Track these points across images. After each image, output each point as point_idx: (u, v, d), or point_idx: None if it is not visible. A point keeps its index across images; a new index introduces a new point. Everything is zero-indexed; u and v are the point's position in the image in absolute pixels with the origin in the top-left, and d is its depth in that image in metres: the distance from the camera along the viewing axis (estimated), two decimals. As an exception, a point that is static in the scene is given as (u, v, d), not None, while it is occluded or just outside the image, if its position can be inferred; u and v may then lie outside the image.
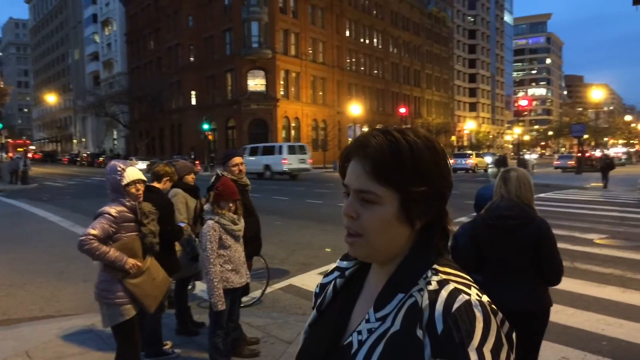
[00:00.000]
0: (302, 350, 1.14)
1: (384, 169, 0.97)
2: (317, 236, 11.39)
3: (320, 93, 63.09)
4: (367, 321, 1.00)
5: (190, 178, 5.54)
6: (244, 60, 55.57)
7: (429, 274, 0.97)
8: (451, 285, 0.94)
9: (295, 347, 4.90)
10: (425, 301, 0.93)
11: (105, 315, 3.52)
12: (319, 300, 1.17)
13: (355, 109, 54.94)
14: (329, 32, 63.91)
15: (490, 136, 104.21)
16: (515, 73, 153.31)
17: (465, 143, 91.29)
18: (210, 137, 54.17)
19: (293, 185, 27.80)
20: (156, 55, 69.53)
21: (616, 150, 70.88)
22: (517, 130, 56.50)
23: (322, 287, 1.20)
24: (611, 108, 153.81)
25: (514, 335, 0.96)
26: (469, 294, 0.92)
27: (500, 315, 0.94)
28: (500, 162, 28.58)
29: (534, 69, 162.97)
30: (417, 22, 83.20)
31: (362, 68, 70.71)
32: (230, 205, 4.12)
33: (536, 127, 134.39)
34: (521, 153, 50.23)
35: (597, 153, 53.05)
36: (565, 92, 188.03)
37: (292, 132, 58.60)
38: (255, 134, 55.04)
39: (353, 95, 65.71)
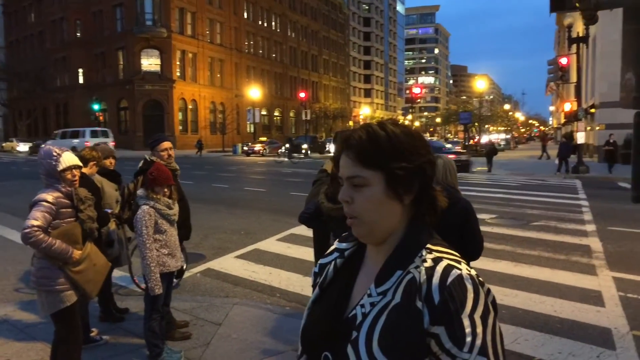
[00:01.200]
0: (307, 323, 1.23)
1: (365, 154, 1.12)
2: (228, 220, 11.41)
3: (219, 75, 61.91)
4: (369, 295, 1.11)
5: (108, 162, 5.39)
6: (137, 38, 53.08)
7: (424, 252, 1.10)
8: (444, 262, 1.07)
9: (225, 328, 5.02)
10: (423, 276, 1.06)
11: (44, 303, 3.41)
12: (320, 279, 1.28)
13: (254, 92, 54.60)
14: (226, 13, 62.68)
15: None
16: (407, 61, 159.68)
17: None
18: (100, 118, 51.35)
19: (196, 169, 27.23)
20: (37, 29, 64.38)
21: (496, 136, 76.34)
22: (409, 117, 58.99)
23: (322, 266, 1.31)
24: (491, 97, 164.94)
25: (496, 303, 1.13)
26: (460, 269, 1.06)
27: (486, 286, 1.08)
28: None
29: (423, 58, 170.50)
30: (314, 7, 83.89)
31: (261, 51, 70.21)
32: (165, 190, 4.13)
33: (425, 114, 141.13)
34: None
35: (483, 139, 56.92)
36: (451, 81, 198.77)
37: (189, 114, 57.11)
38: (150, 116, 53.00)
39: (252, 78, 65.19)
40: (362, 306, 1.11)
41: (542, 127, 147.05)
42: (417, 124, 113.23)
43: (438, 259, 1.09)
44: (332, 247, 1.33)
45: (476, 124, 67.76)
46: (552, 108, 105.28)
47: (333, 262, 1.27)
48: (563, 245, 8.77)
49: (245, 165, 32.67)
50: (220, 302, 5.87)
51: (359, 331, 1.08)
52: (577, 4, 2.46)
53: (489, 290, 1.09)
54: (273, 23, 73.05)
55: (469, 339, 1.00)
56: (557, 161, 25.65)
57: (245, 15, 66.69)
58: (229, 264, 7.78)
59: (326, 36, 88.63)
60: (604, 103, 29.15)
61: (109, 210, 4.78)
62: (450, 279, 1.04)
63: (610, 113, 27.91)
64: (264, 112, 66.87)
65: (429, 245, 1.12)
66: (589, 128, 29.33)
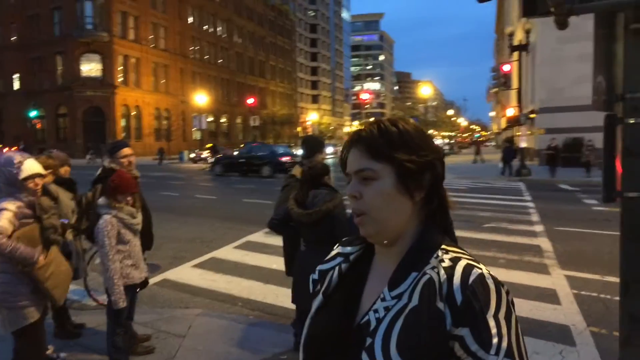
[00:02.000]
0: (313, 332, 1.17)
1: (376, 146, 1.09)
2: (182, 228, 11.14)
3: (163, 81, 60.66)
4: (383, 300, 1.06)
5: (63, 170, 5.14)
6: (76, 42, 51.37)
7: (440, 253, 1.07)
8: (463, 261, 1.04)
9: (190, 340, 4.87)
10: (443, 276, 1.01)
11: (5, 320, 3.19)
12: (323, 286, 1.22)
13: (200, 98, 53.82)
14: (170, 17, 61.59)
15: (331, 128, 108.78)
16: (353, 68, 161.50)
17: (311, 134, 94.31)
18: (38, 125, 49.40)
19: (143, 177, 26.46)
20: (-32, 32, 61.32)
21: (441, 141, 78.34)
22: (355, 122, 59.65)
23: (322, 273, 1.26)
24: (435, 103, 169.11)
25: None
26: (480, 268, 1.03)
27: (505, 286, 1.04)
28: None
29: (369, 65, 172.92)
30: (260, 12, 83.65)
31: (207, 56, 69.35)
32: (129, 198, 3.96)
33: (372, 119, 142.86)
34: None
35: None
36: (396, 88, 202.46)
37: (133, 121, 55.64)
38: (91, 123, 51.33)
39: (197, 84, 64.23)
40: (376, 311, 1.06)
41: (483, 132, 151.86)
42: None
43: (456, 259, 1.05)
44: (334, 252, 1.28)
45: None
46: (492, 114, 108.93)
47: (337, 268, 1.22)
48: (515, 245, 9.02)
49: (194, 173, 32.09)
50: (181, 314, 5.70)
51: (374, 337, 1.03)
52: (552, 9, 2.51)
53: (508, 291, 1.05)
54: (219, 28, 72.33)
55: (495, 340, 0.96)
56: (501, 164, 26.52)
57: (191, 19, 65.74)
58: (186, 273, 7.58)
59: (273, 42, 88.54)
60: (543, 108, 30.38)
61: (66, 221, 4.54)
62: (472, 278, 1.00)
63: (549, 118, 29.13)
64: (210, 119, 66.05)
65: (443, 246, 1.09)
66: (529, 132, 30.50)
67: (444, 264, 1.04)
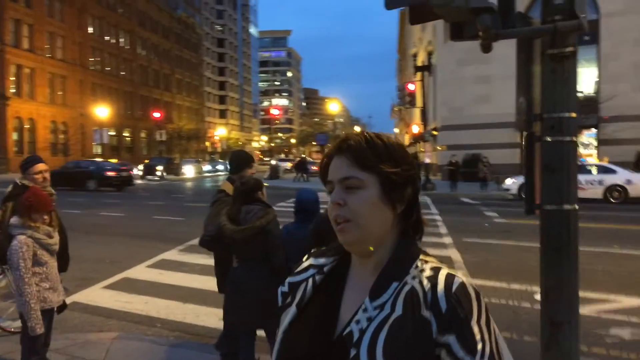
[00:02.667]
0: (286, 347, 1.16)
1: (363, 156, 1.11)
2: (88, 248, 10.51)
3: (60, 92, 57.26)
4: (365, 310, 1.06)
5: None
6: (-38, 49, 47.41)
7: (419, 263, 1.10)
8: (444, 271, 1.07)
9: (109, 365, 4.61)
10: (427, 285, 1.04)
11: None
12: (293, 298, 1.21)
13: (102, 111, 51.46)
14: (69, 26, 58.44)
15: (240, 143, 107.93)
16: (261, 83, 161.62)
17: (219, 150, 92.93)
18: None
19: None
20: None
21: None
22: (264, 137, 59.73)
23: (292, 285, 1.24)
24: (342, 120, 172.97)
25: None
26: (460, 277, 1.06)
27: (481, 293, 1.07)
28: (300, 165, 29.85)
29: (277, 81, 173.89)
30: (166, 25, 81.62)
31: (108, 68, 66.45)
32: (45, 217, 3.71)
33: (280, 134, 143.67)
34: (271, 159, 53.24)
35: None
36: (304, 104, 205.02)
37: (26, 134, 52.02)
38: (-22, 136, 47.38)
39: (98, 96, 61.30)
40: (358, 322, 1.06)
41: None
42: (271, 144, 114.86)
43: (437, 269, 1.08)
44: (306, 264, 1.26)
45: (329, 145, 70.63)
46: (396, 130, 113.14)
47: (310, 279, 1.20)
48: (428, 257, 9.38)
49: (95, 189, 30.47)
50: (96, 338, 5.38)
51: (359, 348, 1.02)
52: (480, 34, 2.68)
53: (483, 297, 1.09)
54: (122, 39, 69.64)
55: (479, 346, 1.00)
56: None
57: (91, 29, 62.79)
58: (97, 295, 7.18)
59: (179, 55, 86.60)
60: (445, 126, 32.07)
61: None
62: (455, 287, 1.03)
63: (451, 135, 30.76)
64: (112, 133, 63.23)
65: (422, 257, 1.12)
66: (432, 149, 32.02)
67: (425, 274, 1.07)
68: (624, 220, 14.39)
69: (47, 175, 4.34)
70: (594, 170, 19.74)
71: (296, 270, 1.27)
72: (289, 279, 1.27)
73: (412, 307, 1.03)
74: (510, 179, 21.41)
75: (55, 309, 3.90)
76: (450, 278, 1.05)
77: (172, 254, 9.88)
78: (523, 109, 3.00)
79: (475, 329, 1.01)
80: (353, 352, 1.03)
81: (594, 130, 28.52)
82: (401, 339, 1.01)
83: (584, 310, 5.84)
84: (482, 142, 29.28)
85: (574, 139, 2.98)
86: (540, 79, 3.00)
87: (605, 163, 21.05)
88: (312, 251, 1.29)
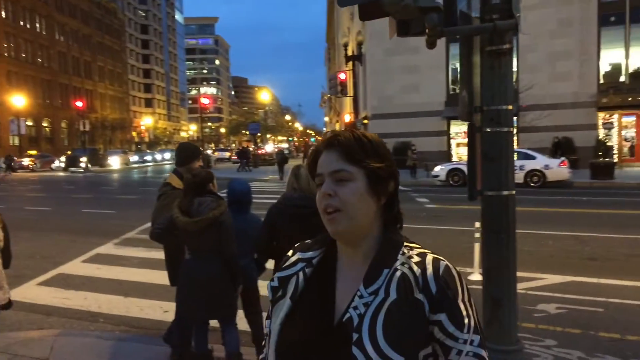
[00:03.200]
0: (288, 338, 1.20)
1: (352, 151, 1.20)
2: (16, 244, 9.90)
3: (-29, 80, 53.68)
4: (361, 297, 1.14)
5: None
6: None
7: (405, 250, 1.19)
8: (430, 256, 1.17)
9: (55, 363, 4.51)
10: (417, 270, 1.14)
11: None
12: (284, 292, 1.27)
13: (18, 100, 48.67)
14: (-21, 10, 54.77)
15: (168, 132, 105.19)
16: (188, 71, 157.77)
17: (147, 140, 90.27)
18: None
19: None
20: None
21: (278, 146, 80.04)
22: (193, 127, 58.57)
23: (282, 279, 1.29)
24: (272, 109, 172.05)
25: None
26: (444, 260, 1.16)
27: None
28: (242, 154, 28.81)
29: (204, 69, 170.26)
30: (85, 10, 77.85)
31: (24, 55, 62.70)
32: (-11, 213, 3.59)
33: (209, 124, 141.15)
34: (203, 149, 52.29)
35: (268, 149, 59.14)
36: (233, 92, 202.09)
37: None
38: None
39: (14, 85, 57.85)
40: (356, 308, 1.14)
41: (318, 137, 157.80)
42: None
43: (423, 254, 1.18)
44: (294, 258, 1.32)
45: (260, 134, 70.14)
46: (326, 119, 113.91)
47: (301, 273, 1.27)
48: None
49: (17, 182, 28.93)
50: (38, 335, 5.25)
51: (360, 332, 1.10)
52: (427, 31, 2.86)
53: (462, 276, 1.21)
54: (38, 25, 65.86)
55: (466, 320, 1.13)
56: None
57: (4, 14, 58.97)
58: (33, 292, 6.95)
59: (100, 42, 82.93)
60: (375, 115, 32.70)
61: None
62: (441, 270, 1.14)
63: (381, 124, 31.41)
64: (30, 123, 59.99)
65: (406, 244, 1.22)
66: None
67: (413, 260, 1.17)
68: (541, 203, 15.37)
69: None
70: (515, 156, 20.80)
71: (284, 265, 1.32)
72: (277, 274, 1.32)
73: (405, 291, 1.13)
74: (438, 166, 22.25)
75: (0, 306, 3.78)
76: (436, 262, 1.16)
77: (108, 248, 9.65)
78: (465, 102, 3.21)
79: (462, 306, 1.13)
80: (355, 336, 1.10)
81: (514, 118, 30.06)
82: (398, 320, 1.11)
83: (513, 287, 6.31)
84: (411, 130, 30.15)
85: (511, 129, 3.24)
86: (480, 74, 3.22)
87: (525, 149, 22.27)
88: (296, 245, 1.37)
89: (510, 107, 3.22)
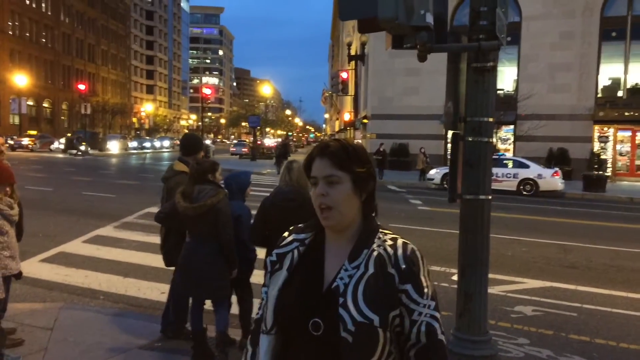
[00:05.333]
0: (284, 302, 1.50)
1: (340, 159, 1.50)
2: (18, 222, 10.36)
3: (-26, 57, 53.77)
4: (346, 270, 1.46)
5: None
6: None
7: (381, 235, 1.52)
8: (400, 240, 1.50)
9: (59, 333, 4.84)
10: (390, 251, 1.46)
11: None
12: (282, 265, 1.57)
13: (20, 79, 48.80)
14: (-14, -14, 54.81)
15: (168, 120, 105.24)
16: (191, 60, 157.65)
17: (147, 126, 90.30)
18: None
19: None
20: None
21: (276, 139, 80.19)
22: (193, 116, 58.64)
23: (280, 255, 1.60)
24: (273, 103, 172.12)
25: None
26: (411, 244, 1.50)
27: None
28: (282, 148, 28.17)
29: (207, 59, 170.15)
30: (92, -8, 77.96)
31: (28, 34, 62.79)
32: (7, 189, 3.90)
33: (209, 114, 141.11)
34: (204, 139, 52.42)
35: (268, 142, 59.30)
36: (235, 84, 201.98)
37: None
38: None
39: (17, 63, 57.97)
40: (341, 279, 1.45)
41: (317, 133, 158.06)
42: (200, 124, 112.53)
43: (394, 239, 1.51)
44: (290, 238, 1.62)
45: (261, 127, 70.32)
46: (327, 116, 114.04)
47: (295, 250, 1.57)
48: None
49: (18, 161, 29.14)
50: (43, 307, 5.57)
51: (345, 296, 1.41)
52: (418, 47, 3.17)
53: (424, 257, 1.57)
54: (43, 5, 65.90)
55: (425, 289, 1.46)
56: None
57: (10, -8, 59.05)
58: (35, 268, 7.24)
59: (105, 25, 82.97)
60: (374, 115, 33.03)
61: None
62: (408, 251, 1.47)
63: (380, 124, 31.76)
64: (31, 103, 60.10)
65: (381, 230, 1.55)
66: (362, 136, 32.92)
67: (387, 243, 1.49)
68: (531, 211, 15.72)
69: (4, 147, 4.47)
70: (510, 164, 21.26)
71: (281, 244, 1.63)
72: (275, 250, 1.62)
73: (380, 266, 1.45)
74: (434, 170, 22.55)
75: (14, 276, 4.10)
76: (405, 245, 1.49)
77: (108, 230, 9.95)
78: (450, 112, 3.53)
79: (423, 280, 1.47)
80: (341, 300, 1.42)
81: (511, 126, 30.37)
82: (375, 288, 1.42)
83: (494, 290, 6.62)
84: (410, 132, 30.51)
85: (490, 140, 3.56)
86: (465, 87, 3.54)
87: (519, 158, 22.58)
88: (291, 228, 1.69)
89: (491, 119, 3.55)
